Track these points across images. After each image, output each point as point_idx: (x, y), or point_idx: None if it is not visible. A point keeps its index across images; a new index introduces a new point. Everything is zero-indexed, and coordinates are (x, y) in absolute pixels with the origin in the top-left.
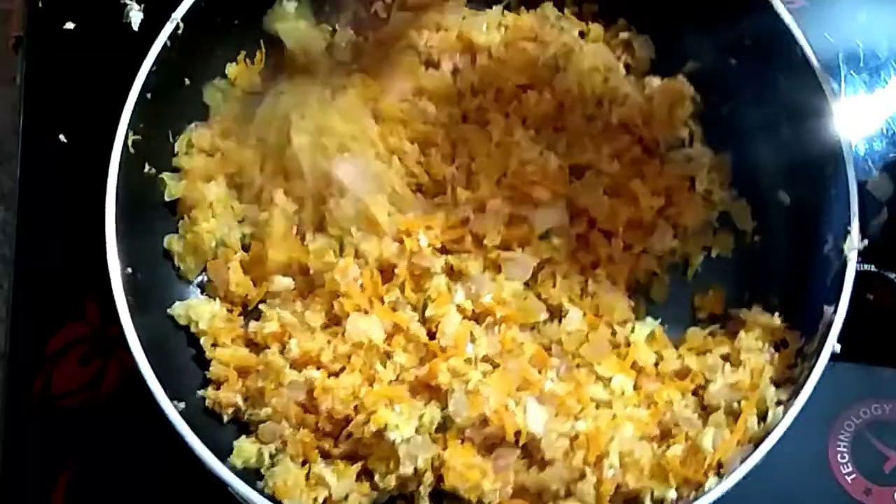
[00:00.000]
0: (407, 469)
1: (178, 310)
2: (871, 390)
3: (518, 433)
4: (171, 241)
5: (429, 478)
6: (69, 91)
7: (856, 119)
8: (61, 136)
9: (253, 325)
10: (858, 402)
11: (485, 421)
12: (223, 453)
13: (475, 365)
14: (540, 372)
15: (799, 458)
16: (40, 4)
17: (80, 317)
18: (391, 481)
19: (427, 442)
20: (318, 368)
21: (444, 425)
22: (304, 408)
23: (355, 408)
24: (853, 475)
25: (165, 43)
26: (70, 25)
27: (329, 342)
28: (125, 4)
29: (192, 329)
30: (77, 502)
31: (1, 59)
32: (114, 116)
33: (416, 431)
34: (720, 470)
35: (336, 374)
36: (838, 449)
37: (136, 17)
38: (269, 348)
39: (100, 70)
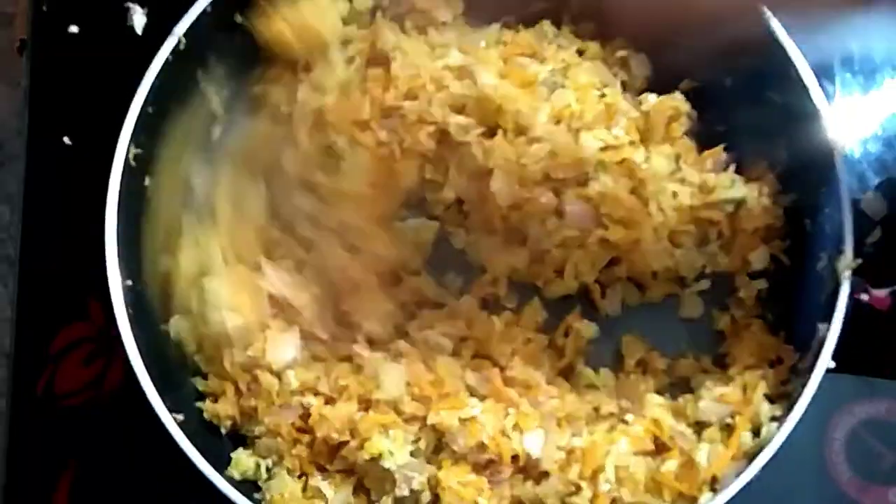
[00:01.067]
0: (403, 491)
1: (172, 326)
2: (867, 389)
3: (516, 457)
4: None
5: (426, 497)
6: (74, 94)
7: (851, 121)
8: (66, 139)
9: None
10: (854, 400)
11: (482, 447)
12: (222, 464)
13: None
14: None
15: (794, 457)
16: (44, 8)
17: (84, 316)
18: (388, 500)
19: (422, 464)
20: (315, 394)
21: (439, 446)
22: (298, 428)
23: (350, 431)
24: (849, 474)
25: (167, 58)
26: (74, 29)
27: (328, 374)
28: (128, 8)
29: (184, 346)
30: (80, 502)
31: (6, 62)
32: (118, 119)
33: (412, 455)
34: (714, 485)
35: (333, 401)
36: (834, 448)
37: (139, 20)
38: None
39: (104, 73)
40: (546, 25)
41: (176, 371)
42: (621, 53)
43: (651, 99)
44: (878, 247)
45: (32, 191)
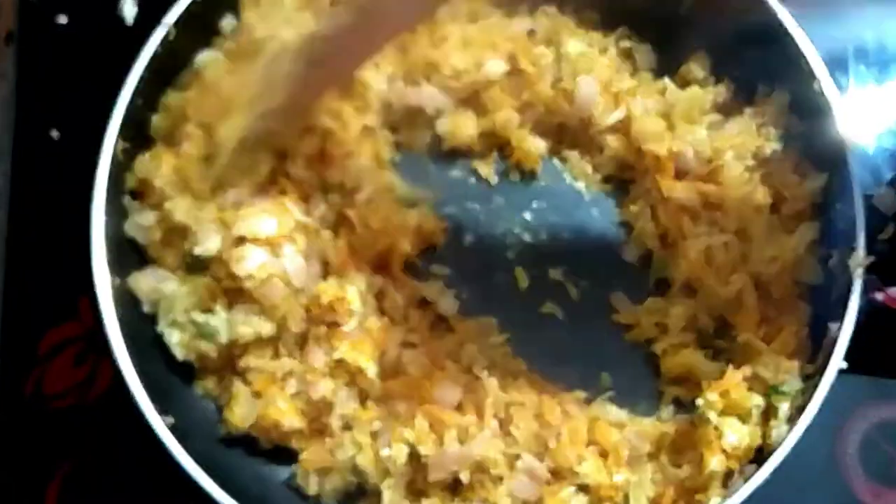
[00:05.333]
0: None
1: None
2: (881, 393)
3: None
4: None
5: None
6: (62, 86)
7: (864, 115)
8: (54, 132)
9: None
10: (868, 405)
11: None
12: (213, 467)
13: None
14: None
15: (808, 461)
16: None
17: (74, 316)
18: None
19: None
20: None
21: None
22: None
23: None
24: (863, 479)
25: (156, 49)
26: (62, 19)
27: None
28: None
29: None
30: (71, 503)
31: None
32: (107, 113)
33: None
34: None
35: None
36: (847, 452)
37: (129, 10)
38: None
39: (93, 64)
40: (548, 10)
41: (165, 374)
42: (625, 44)
43: (673, 88)
44: (891, 244)
45: (20, 186)
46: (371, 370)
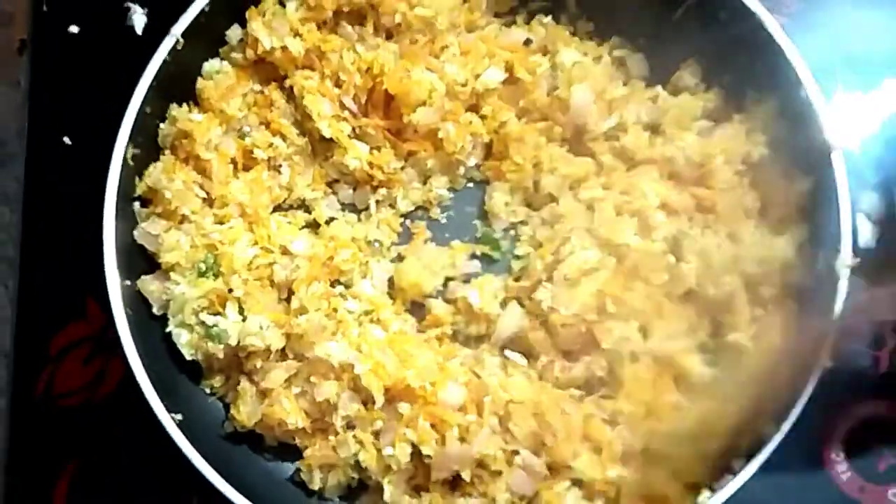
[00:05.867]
0: None
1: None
2: (866, 389)
3: None
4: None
5: None
6: (73, 94)
7: (851, 122)
8: (66, 139)
9: None
10: (853, 402)
11: None
12: (220, 463)
13: None
14: None
15: (794, 456)
16: (45, 8)
17: (83, 317)
18: None
19: None
20: None
21: None
22: None
23: None
24: (848, 473)
25: (165, 58)
26: (74, 29)
27: None
28: (128, 8)
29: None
30: (79, 501)
31: (6, 62)
32: (117, 120)
33: None
34: (713, 483)
35: None
36: (833, 448)
37: (139, 20)
38: None
39: (104, 73)
40: (544, 20)
41: (174, 371)
42: (618, 53)
43: (665, 95)
44: (875, 246)
45: (32, 191)
46: (375, 384)
